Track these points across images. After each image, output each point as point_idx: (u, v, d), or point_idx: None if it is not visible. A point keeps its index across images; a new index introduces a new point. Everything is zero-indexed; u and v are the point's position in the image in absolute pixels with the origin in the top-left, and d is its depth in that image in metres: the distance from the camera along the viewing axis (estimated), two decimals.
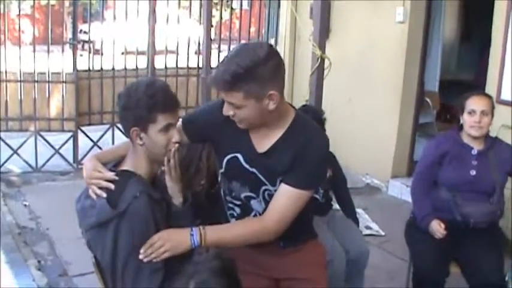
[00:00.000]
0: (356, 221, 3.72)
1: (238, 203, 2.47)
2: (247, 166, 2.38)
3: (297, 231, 2.45)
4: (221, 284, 1.86)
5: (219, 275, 1.88)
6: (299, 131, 2.36)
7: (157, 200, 2.27)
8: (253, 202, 2.44)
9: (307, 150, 2.31)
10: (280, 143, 2.34)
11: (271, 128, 2.35)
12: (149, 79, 2.79)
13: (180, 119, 2.46)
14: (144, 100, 2.20)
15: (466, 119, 3.40)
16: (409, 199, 3.79)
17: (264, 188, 2.39)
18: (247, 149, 2.38)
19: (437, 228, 3.35)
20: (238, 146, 2.39)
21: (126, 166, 2.33)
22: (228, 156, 2.41)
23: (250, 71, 2.16)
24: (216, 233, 2.31)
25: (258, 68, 2.16)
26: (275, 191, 2.36)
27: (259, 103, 2.22)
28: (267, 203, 2.40)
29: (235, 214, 2.51)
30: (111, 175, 2.27)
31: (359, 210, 4.10)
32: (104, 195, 2.22)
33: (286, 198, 2.33)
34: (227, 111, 2.29)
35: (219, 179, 2.56)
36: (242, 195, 2.45)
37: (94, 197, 2.25)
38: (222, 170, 2.47)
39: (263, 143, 2.36)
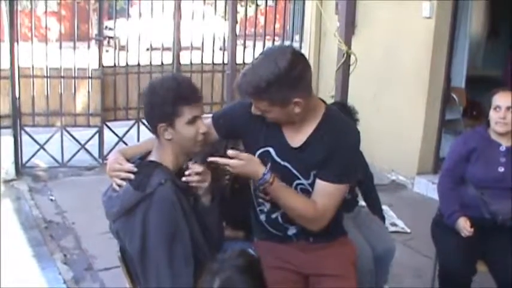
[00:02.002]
0: (382, 217, 3.69)
1: (268, 198, 2.47)
2: (279, 160, 2.40)
3: (328, 228, 2.44)
4: (246, 282, 1.86)
5: (244, 272, 1.87)
6: (331, 124, 2.38)
7: (183, 190, 2.27)
8: None
9: (340, 143, 2.34)
10: (313, 137, 2.37)
11: (303, 123, 2.37)
12: (170, 75, 2.81)
13: (211, 116, 2.49)
14: (168, 95, 2.21)
15: (491, 115, 3.37)
16: (435, 196, 3.75)
17: (297, 182, 2.40)
18: (280, 144, 2.40)
19: (464, 225, 3.30)
20: (270, 140, 2.42)
21: (152, 158, 2.35)
22: (260, 151, 2.43)
23: (271, 83, 2.20)
24: (279, 189, 2.35)
25: (279, 79, 2.19)
26: (308, 184, 2.39)
27: (285, 109, 2.27)
28: None
29: (265, 210, 2.52)
30: (130, 166, 2.29)
31: (384, 207, 4.07)
32: (124, 183, 2.24)
33: (327, 194, 2.35)
34: (255, 111, 2.35)
35: None
36: None
37: (117, 188, 2.27)
38: None
39: (296, 137, 2.39)
